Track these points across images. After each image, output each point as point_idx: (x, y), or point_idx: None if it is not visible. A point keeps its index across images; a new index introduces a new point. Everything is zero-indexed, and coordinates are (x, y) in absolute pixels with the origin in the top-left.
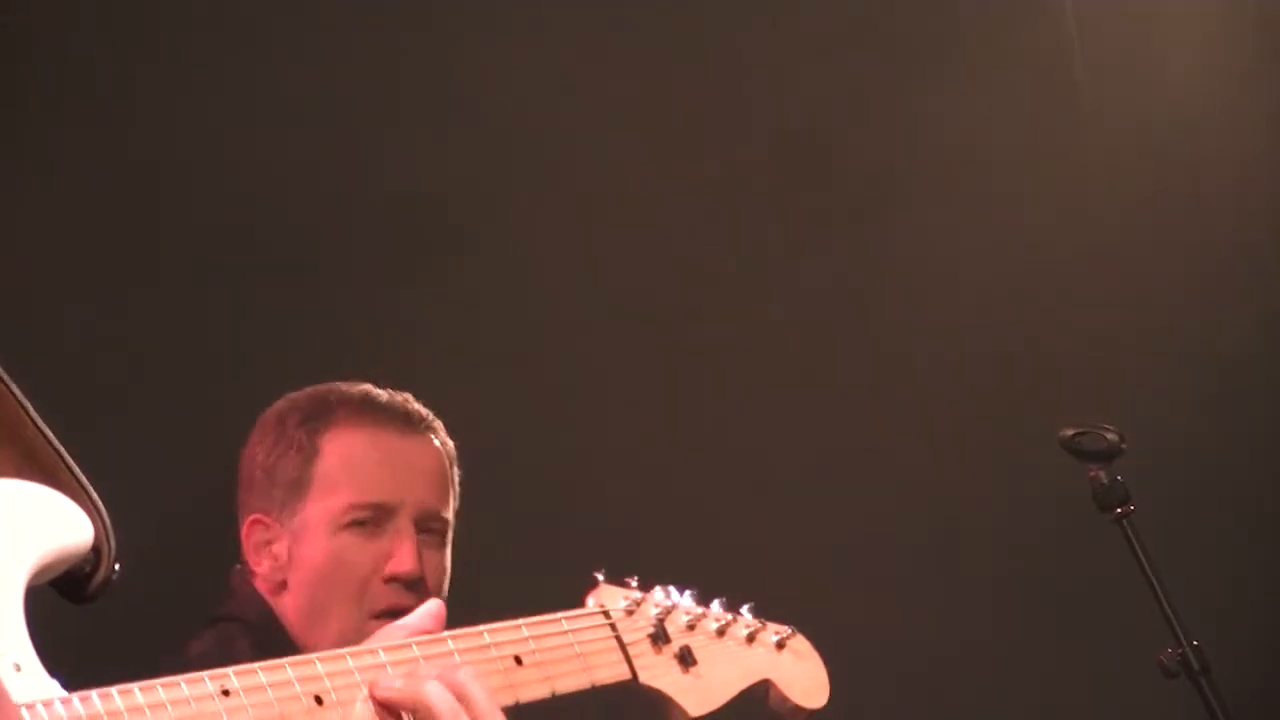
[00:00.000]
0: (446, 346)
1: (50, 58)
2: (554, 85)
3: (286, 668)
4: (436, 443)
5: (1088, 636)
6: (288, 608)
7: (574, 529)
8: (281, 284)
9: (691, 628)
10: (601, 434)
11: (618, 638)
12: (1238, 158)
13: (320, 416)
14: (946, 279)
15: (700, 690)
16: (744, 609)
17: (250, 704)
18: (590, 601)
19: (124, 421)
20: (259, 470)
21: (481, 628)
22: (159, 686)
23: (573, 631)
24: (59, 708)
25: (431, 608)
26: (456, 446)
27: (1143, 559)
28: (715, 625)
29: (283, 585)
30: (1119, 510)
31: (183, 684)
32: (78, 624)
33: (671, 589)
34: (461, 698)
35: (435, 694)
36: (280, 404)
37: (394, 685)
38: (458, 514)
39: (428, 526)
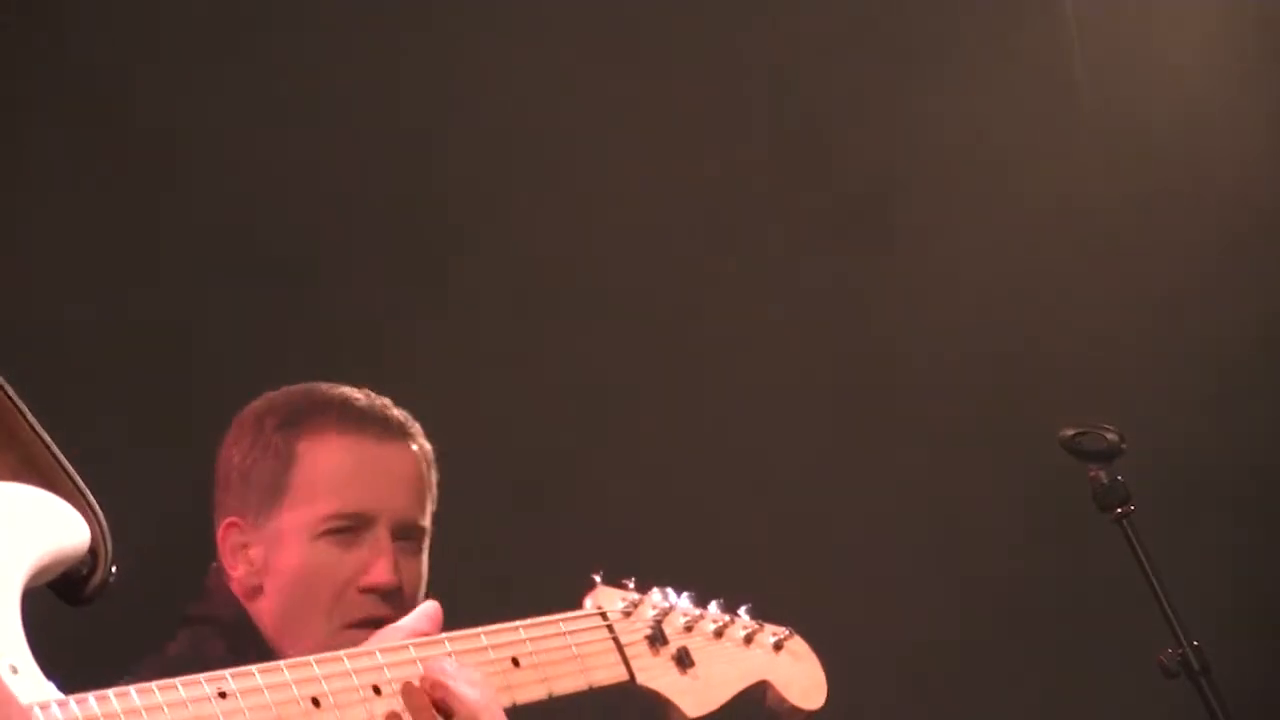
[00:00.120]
0: (446, 346)
1: (49, 58)
2: (554, 85)
3: (283, 670)
4: (414, 448)
5: (1088, 636)
6: (263, 612)
7: (573, 530)
8: (279, 284)
9: (689, 629)
10: (601, 434)
11: (615, 639)
12: (1238, 157)
13: (298, 421)
14: (946, 279)
15: (698, 691)
16: (741, 610)
17: (247, 706)
18: (588, 603)
19: (122, 422)
20: (235, 473)
21: (479, 629)
22: (155, 689)
23: (570, 633)
24: (55, 710)
25: (429, 609)
26: (456, 447)
27: (1143, 559)
28: (713, 627)
29: (258, 590)
30: (1119, 510)
31: (179, 686)
32: (69, 624)
33: (669, 590)
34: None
35: (487, 711)
36: (257, 404)
37: (459, 677)
38: (436, 517)
39: (405, 535)
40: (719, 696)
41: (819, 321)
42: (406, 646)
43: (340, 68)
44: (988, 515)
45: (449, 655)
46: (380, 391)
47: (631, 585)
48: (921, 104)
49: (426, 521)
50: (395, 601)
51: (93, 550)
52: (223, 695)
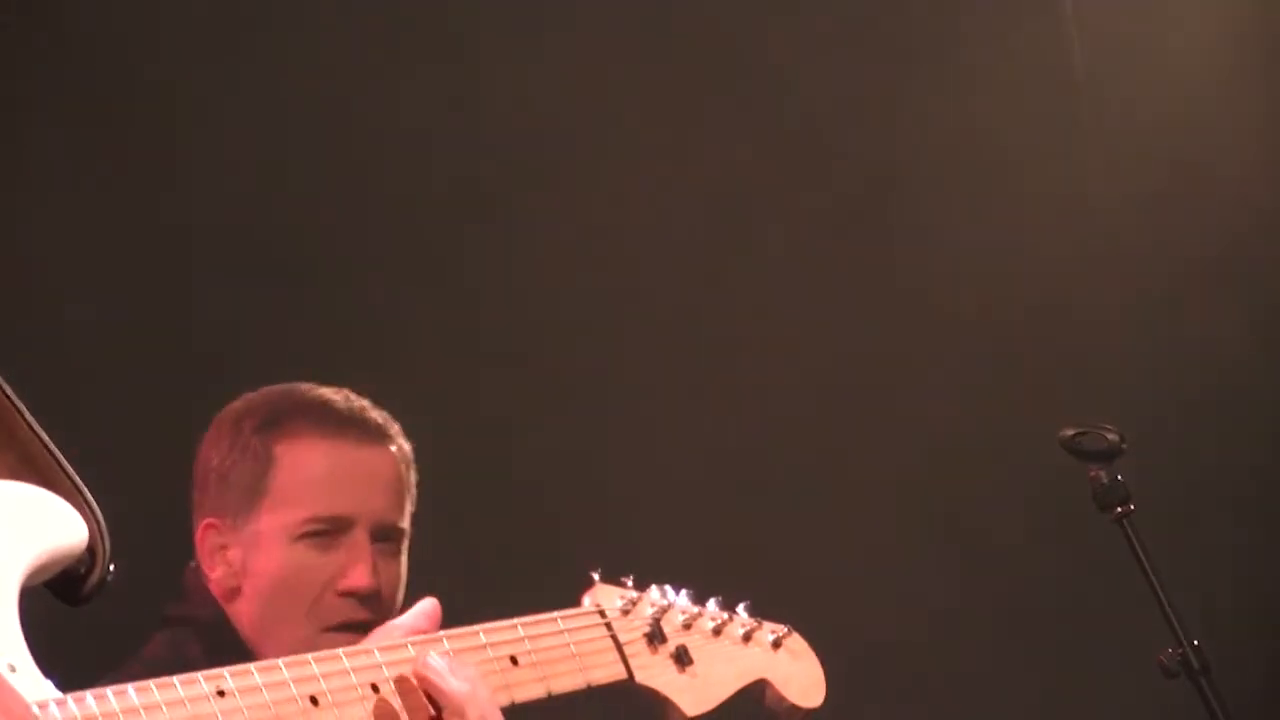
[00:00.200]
0: (447, 347)
1: (49, 57)
2: (554, 84)
3: (281, 668)
4: (393, 449)
5: (1088, 636)
6: (241, 614)
7: (572, 528)
8: (278, 284)
9: (688, 627)
10: (601, 433)
11: (614, 637)
12: (1238, 157)
13: (277, 423)
14: (945, 279)
15: (696, 690)
16: (740, 608)
17: (245, 705)
18: (586, 601)
19: (117, 423)
20: (213, 474)
21: (477, 627)
22: (154, 687)
23: (569, 631)
24: (54, 709)
25: (427, 607)
26: (456, 448)
27: (1143, 559)
28: (711, 624)
29: (237, 591)
30: (1119, 510)
31: (178, 684)
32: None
33: (668, 588)
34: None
35: (473, 701)
36: (236, 405)
37: (444, 672)
38: (419, 517)
39: (384, 537)
40: (718, 694)
41: (818, 321)
42: (405, 645)
43: (340, 68)
44: (988, 515)
45: (446, 652)
46: (382, 391)
47: (630, 583)
48: (920, 104)
49: (405, 523)
50: (374, 605)
51: (91, 549)
52: (221, 694)
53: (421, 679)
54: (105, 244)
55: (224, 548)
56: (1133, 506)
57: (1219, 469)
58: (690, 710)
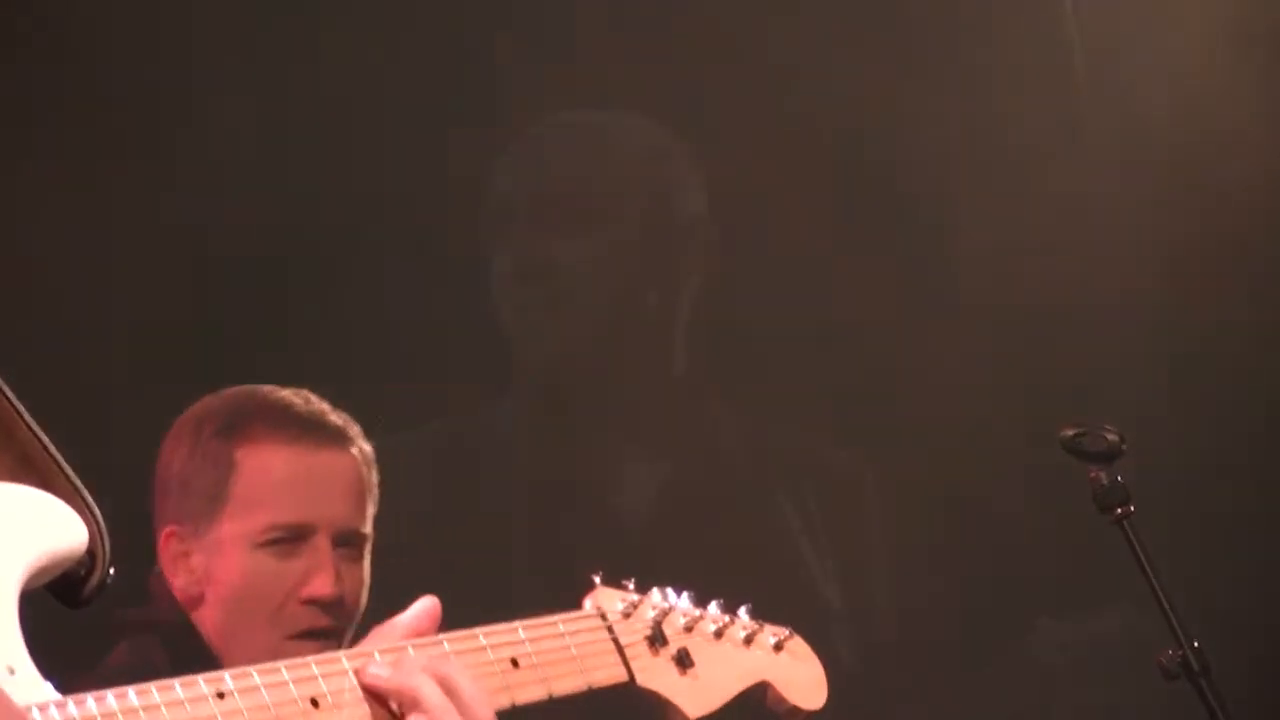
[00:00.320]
0: (447, 346)
1: (49, 57)
2: (554, 84)
3: (282, 670)
4: (354, 452)
5: (1088, 636)
6: (206, 621)
7: (573, 531)
8: (275, 285)
9: (689, 630)
10: (602, 433)
11: (615, 640)
12: (1239, 157)
13: (237, 428)
14: (945, 279)
15: (698, 692)
16: (741, 611)
17: (246, 706)
18: (587, 604)
19: (115, 424)
20: (174, 480)
21: (477, 630)
22: (153, 689)
23: (569, 634)
24: (54, 712)
25: (427, 606)
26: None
27: (1143, 559)
28: (713, 627)
29: (200, 599)
30: (1119, 511)
31: (177, 686)
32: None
33: (669, 591)
34: (450, 690)
35: (424, 686)
36: (196, 409)
37: (382, 674)
38: (377, 520)
39: (346, 542)
40: (719, 697)
41: (818, 320)
42: (405, 647)
43: (341, 67)
44: (987, 515)
45: (448, 655)
46: (384, 390)
47: (631, 586)
48: (920, 105)
49: (367, 527)
50: (336, 612)
51: (91, 551)
52: (221, 695)
53: (372, 690)
54: (99, 244)
55: (186, 555)
56: (1133, 507)
57: (1219, 469)
58: (692, 712)
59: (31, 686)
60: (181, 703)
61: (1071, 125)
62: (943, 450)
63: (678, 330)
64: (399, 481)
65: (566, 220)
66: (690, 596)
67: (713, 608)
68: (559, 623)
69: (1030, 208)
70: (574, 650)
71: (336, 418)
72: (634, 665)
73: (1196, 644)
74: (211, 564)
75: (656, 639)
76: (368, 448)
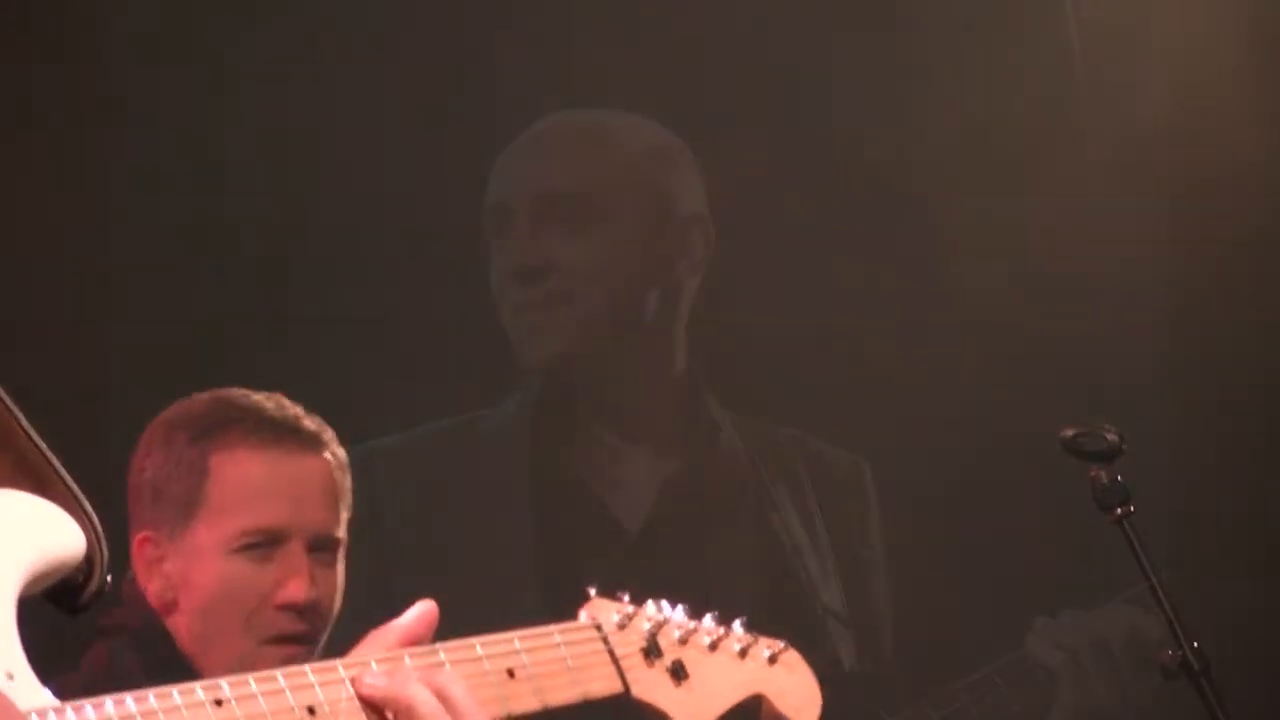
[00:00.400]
0: (447, 346)
1: (49, 57)
2: (554, 84)
3: (279, 678)
4: (327, 457)
5: (1088, 637)
6: (180, 627)
7: (571, 532)
8: (275, 285)
9: (684, 642)
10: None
11: (610, 651)
12: (1239, 157)
13: (211, 434)
14: (945, 279)
15: (692, 704)
16: (736, 623)
17: (243, 714)
18: (582, 615)
19: (110, 426)
20: (147, 486)
21: (474, 640)
22: (151, 696)
23: (565, 644)
24: (53, 717)
25: (424, 610)
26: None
27: (1142, 559)
28: (708, 639)
29: (174, 604)
30: (1119, 510)
31: (175, 693)
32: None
33: (664, 603)
34: (444, 700)
35: (419, 696)
36: (169, 414)
37: (379, 683)
38: (351, 523)
39: (320, 547)
40: (714, 709)
41: (818, 320)
42: (401, 656)
43: (341, 67)
44: (987, 515)
45: (443, 665)
46: (384, 390)
47: (626, 598)
48: (919, 105)
49: (341, 532)
50: (311, 617)
51: (88, 557)
52: (219, 703)
53: (369, 700)
54: (97, 243)
55: (160, 560)
56: (1133, 507)
57: (1219, 469)
58: None
59: (30, 692)
60: (179, 709)
61: (1071, 125)
62: (943, 450)
63: (678, 330)
64: (399, 481)
65: (566, 220)
66: (685, 609)
67: (707, 620)
68: (555, 633)
69: (1030, 208)
70: (570, 661)
71: (310, 423)
72: (629, 676)
73: (1196, 644)
74: (186, 570)
75: (652, 650)
76: (341, 452)
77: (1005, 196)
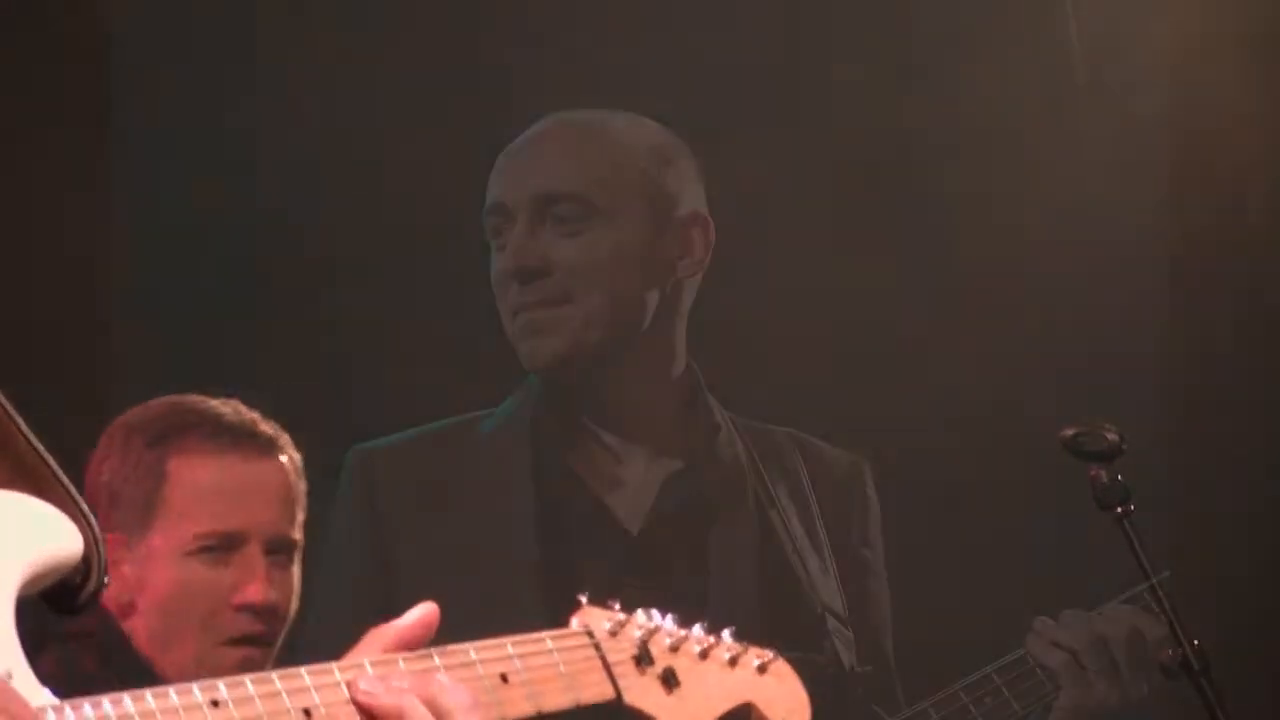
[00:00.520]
0: (447, 346)
1: (49, 57)
2: (554, 84)
3: (274, 679)
4: (283, 459)
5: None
6: (137, 629)
7: (571, 532)
8: (275, 285)
9: (675, 650)
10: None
11: (602, 658)
12: (1239, 157)
13: (168, 438)
14: (945, 278)
15: (683, 711)
16: (725, 633)
17: (240, 716)
18: (574, 623)
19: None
20: (104, 491)
21: (469, 645)
22: (149, 695)
23: (558, 650)
24: (52, 717)
25: (423, 614)
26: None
27: (1143, 558)
28: (698, 648)
29: (131, 607)
30: (1119, 510)
31: (172, 693)
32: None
33: (654, 612)
34: (436, 709)
35: (408, 702)
36: (127, 418)
37: (372, 690)
38: (305, 525)
39: (277, 549)
40: (704, 716)
41: (818, 320)
42: (396, 659)
43: (341, 67)
44: (987, 514)
45: (437, 670)
46: (383, 390)
47: (617, 606)
48: (920, 105)
49: (298, 534)
50: (269, 618)
51: (85, 559)
52: (215, 704)
53: (365, 708)
54: (97, 244)
55: (117, 564)
56: (1133, 506)
57: (1219, 469)
58: None
59: (29, 692)
60: (176, 709)
61: (1071, 125)
62: (943, 450)
63: (678, 330)
64: (399, 481)
65: (565, 220)
66: (674, 618)
67: (697, 629)
68: (547, 639)
69: (1030, 208)
70: (562, 667)
71: (267, 427)
72: (621, 683)
73: (1196, 643)
74: (143, 573)
75: (643, 658)
76: (297, 457)
77: (1005, 196)
